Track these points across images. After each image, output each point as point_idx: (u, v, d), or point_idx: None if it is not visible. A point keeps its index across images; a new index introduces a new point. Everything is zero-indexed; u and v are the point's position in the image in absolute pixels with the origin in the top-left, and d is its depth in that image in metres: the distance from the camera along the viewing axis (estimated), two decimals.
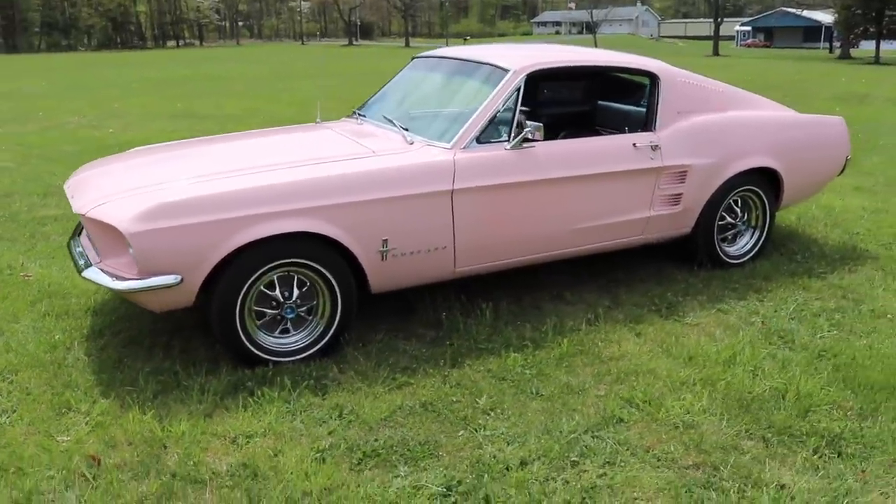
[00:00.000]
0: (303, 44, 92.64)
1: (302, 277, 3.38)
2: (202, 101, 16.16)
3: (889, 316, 3.93)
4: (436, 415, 2.98)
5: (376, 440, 2.80)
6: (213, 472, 2.62)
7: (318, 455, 2.71)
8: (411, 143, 3.68)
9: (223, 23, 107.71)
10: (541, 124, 3.65)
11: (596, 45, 53.40)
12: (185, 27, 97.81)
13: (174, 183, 3.28)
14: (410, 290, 4.02)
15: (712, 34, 54.98)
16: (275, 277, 3.32)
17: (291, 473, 2.60)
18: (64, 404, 3.08)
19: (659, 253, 4.75)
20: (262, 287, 3.31)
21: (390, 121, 3.98)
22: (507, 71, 3.81)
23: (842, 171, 5.02)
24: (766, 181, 4.59)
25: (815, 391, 3.09)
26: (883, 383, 3.14)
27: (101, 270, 3.18)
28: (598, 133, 4.59)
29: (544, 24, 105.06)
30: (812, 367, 3.32)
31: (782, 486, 2.49)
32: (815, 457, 2.68)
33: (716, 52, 49.56)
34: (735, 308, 4.04)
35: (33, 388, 3.22)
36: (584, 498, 2.45)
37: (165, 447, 2.78)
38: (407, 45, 71.73)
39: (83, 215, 3.21)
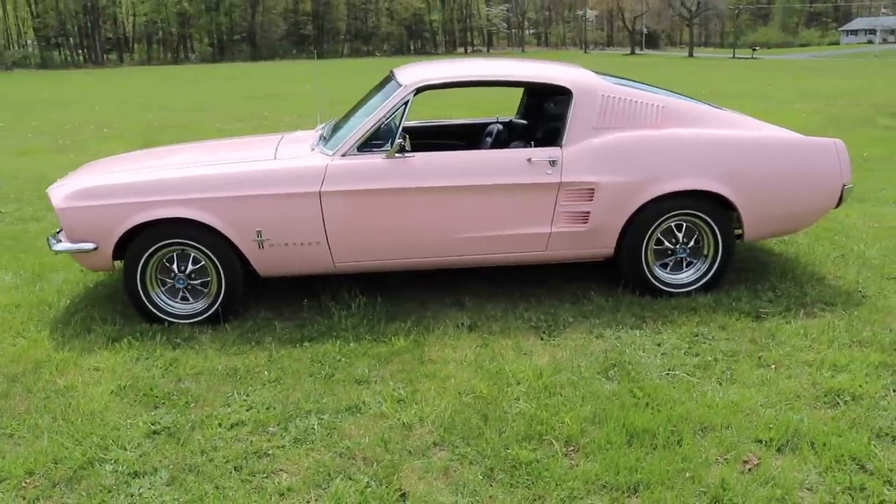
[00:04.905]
0: (585, 52, 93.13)
1: (197, 256, 4.10)
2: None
3: (773, 366, 3.53)
4: (227, 378, 3.51)
5: (165, 388, 3.42)
6: (43, 388, 3.46)
7: (115, 387, 3.42)
8: (311, 150, 4.21)
9: (511, 31, 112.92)
10: (406, 135, 3.97)
11: None
12: (475, 34, 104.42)
13: (103, 174, 4.21)
14: (317, 280, 4.56)
15: None
16: (174, 254, 4.09)
17: (84, 396, 3.34)
18: (21, 331, 4.16)
19: (601, 274, 4.67)
20: (164, 260, 4.10)
21: (321, 131, 4.54)
22: (400, 85, 4.15)
23: (839, 203, 4.43)
24: (717, 208, 4.27)
25: (567, 423, 3.01)
26: (642, 427, 2.94)
27: (55, 237, 4.20)
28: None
29: (854, 32, 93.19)
30: (605, 401, 3.18)
31: (403, 494, 2.63)
32: (480, 477, 2.71)
33: None
34: (618, 336, 3.89)
35: (16, 317, 4.35)
36: (238, 460, 2.84)
37: (40, 367, 3.68)
38: (690, 54, 68.76)
39: (47, 193, 4.26)
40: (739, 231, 4.39)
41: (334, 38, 78.78)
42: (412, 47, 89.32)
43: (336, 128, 4.56)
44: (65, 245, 4.06)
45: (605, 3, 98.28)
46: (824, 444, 2.82)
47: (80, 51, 67.92)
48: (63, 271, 5.14)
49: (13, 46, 64.80)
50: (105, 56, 66.51)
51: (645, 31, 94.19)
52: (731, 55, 64.73)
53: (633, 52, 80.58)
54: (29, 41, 67.39)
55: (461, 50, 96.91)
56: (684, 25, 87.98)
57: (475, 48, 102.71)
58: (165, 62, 67.20)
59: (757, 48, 70.03)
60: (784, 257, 5.12)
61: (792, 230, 4.61)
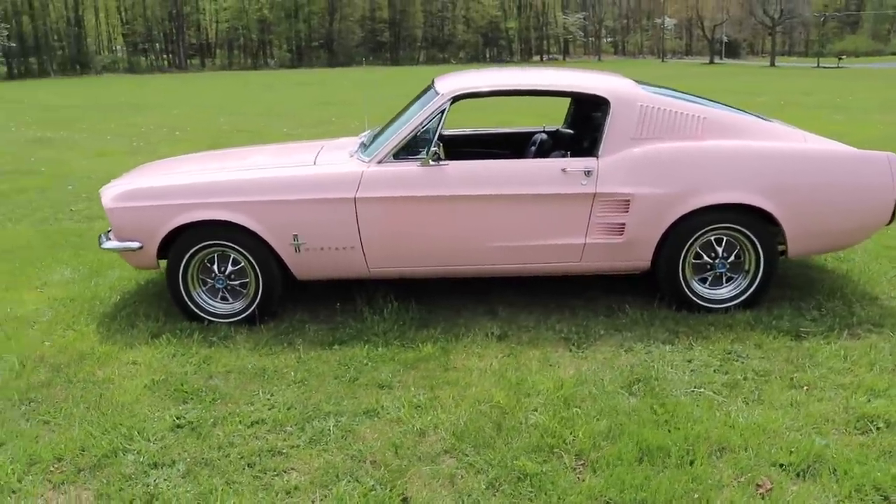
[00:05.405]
0: (663, 61, 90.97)
1: (236, 258, 4.24)
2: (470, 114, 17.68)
3: (805, 387, 3.40)
4: (255, 377, 3.61)
5: (196, 384, 3.55)
6: (83, 379, 3.64)
7: (149, 381, 3.57)
8: (350, 157, 4.30)
9: (588, 39, 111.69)
10: (441, 143, 4.00)
11: None
12: (552, 42, 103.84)
13: (151, 176, 4.40)
14: (354, 284, 4.64)
15: None
16: (215, 255, 4.24)
17: (119, 389, 3.50)
18: (72, 324, 4.39)
19: (640, 287, 4.59)
20: (205, 260, 4.26)
21: (363, 138, 4.64)
22: (438, 94, 4.19)
23: (892, 219, 4.22)
24: (759, 222, 4.14)
25: (579, 437, 2.97)
26: (656, 445, 2.88)
27: (106, 235, 4.41)
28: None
29: None
30: (622, 417, 3.13)
31: (405, 499, 2.66)
32: (484, 487, 2.71)
33: None
34: (648, 350, 3.82)
35: (69, 310, 4.60)
36: (252, 456, 2.92)
37: (83, 359, 3.88)
38: (772, 64, 66.43)
39: (99, 193, 4.48)
40: (783, 246, 4.25)
41: (411, 46, 79.62)
42: (488, 55, 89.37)
43: (377, 135, 4.63)
44: (113, 243, 4.27)
45: (684, 11, 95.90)
46: (846, 472, 2.70)
47: (165, 56, 70.98)
48: (118, 268, 5.39)
49: (103, 52, 68.22)
50: (188, 61, 69.27)
51: (725, 39, 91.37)
52: (816, 64, 62.14)
53: (711, 62, 78.25)
54: (118, 47, 70.82)
55: (537, 58, 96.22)
56: (766, 34, 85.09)
57: (551, 56, 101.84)
58: (245, 67, 69.38)
59: (843, 57, 66.94)
60: (836, 274, 4.91)
61: (840, 247, 4.42)
